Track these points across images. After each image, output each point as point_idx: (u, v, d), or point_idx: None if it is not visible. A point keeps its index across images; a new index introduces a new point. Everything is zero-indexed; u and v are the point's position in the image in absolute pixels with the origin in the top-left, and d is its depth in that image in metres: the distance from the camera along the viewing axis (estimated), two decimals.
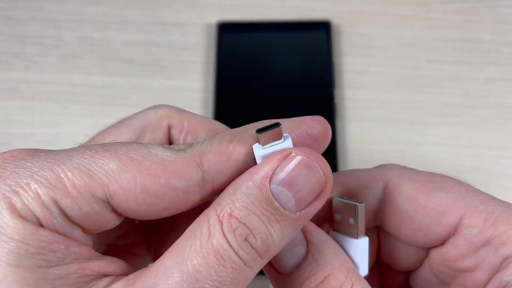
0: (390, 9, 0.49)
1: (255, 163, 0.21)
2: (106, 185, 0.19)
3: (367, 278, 0.22)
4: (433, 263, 0.24)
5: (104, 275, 0.19)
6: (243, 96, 0.45)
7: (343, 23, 0.48)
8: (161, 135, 0.26)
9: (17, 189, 0.18)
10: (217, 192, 0.21)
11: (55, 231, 0.19)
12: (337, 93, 0.45)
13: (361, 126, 0.44)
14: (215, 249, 0.18)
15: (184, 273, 0.18)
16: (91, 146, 0.20)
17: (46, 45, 0.48)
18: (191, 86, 0.46)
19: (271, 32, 0.47)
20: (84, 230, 0.20)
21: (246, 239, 0.18)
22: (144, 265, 0.29)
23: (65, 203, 0.19)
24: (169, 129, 0.26)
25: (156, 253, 0.29)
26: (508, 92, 0.45)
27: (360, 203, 0.22)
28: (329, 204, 0.24)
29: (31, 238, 0.18)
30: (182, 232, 0.19)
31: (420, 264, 0.26)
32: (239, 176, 0.19)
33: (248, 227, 0.18)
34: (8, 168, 0.19)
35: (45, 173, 0.19)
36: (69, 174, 0.19)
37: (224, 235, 0.18)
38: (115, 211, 0.20)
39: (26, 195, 0.18)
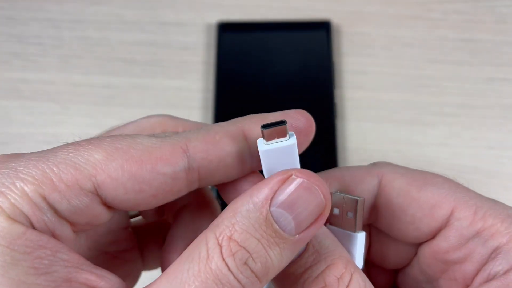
0: (390, 9, 0.49)
1: (250, 160, 0.21)
2: (94, 175, 0.19)
3: None
4: (423, 258, 0.25)
5: None
6: (243, 96, 0.45)
7: (343, 23, 0.48)
8: None
9: (3, 189, 0.18)
10: (203, 179, 0.21)
11: (45, 229, 0.19)
12: (337, 93, 0.45)
13: (361, 126, 0.44)
14: (214, 274, 0.18)
15: None
16: (75, 142, 0.20)
17: (46, 45, 0.48)
18: (191, 86, 0.46)
19: (271, 32, 0.47)
20: (74, 226, 0.20)
21: (245, 263, 0.18)
22: (135, 271, 0.29)
23: (54, 197, 0.18)
24: None
25: (148, 260, 0.29)
26: (508, 92, 0.45)
27: (360, 198, 0.23)
28: None
29: (17, 243, 0.17)
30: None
31: (409, 262, 0.26)
32: (238, 198, 0.19)
33: (247, 251, 0.18)
34: None
35: (30, 171, 0.18)
36: (55, 169, 0.19)
37: (223, 259, 0.18)
38: (104, 203, 0.20)
39: (12, 194, 0.18)
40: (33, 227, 0.18)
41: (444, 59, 0.46)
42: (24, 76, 0.46)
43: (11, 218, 0.18)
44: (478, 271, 0.23)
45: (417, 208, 0.24)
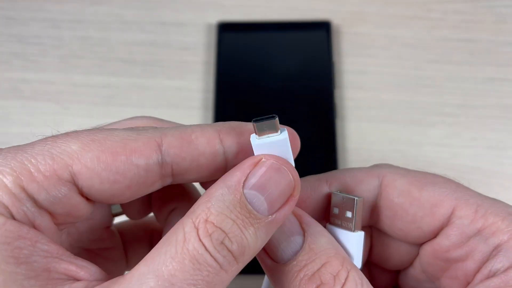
0: (390, 9, 0.49)
1: (224, 164, 0.22)
2: (70, 165, 0.19)
3: None
4: (425, 257, 0.25)
5: (76, 279, 0.19)
6: (243, 96, 0.45)
7: (343, 23, 0.48)
8: None
9: None
10: (176, 176, 0.22)
11: (25, 219, 0.19)
12: (337, 93, 0.45)
13: (361, 126, 0.44)
14: (191, 254, 0.18)
15: (159, 278, 0.18)
16: (52, 135, 0.21)
17: (46, 45, 0.48)
18: (191, 86, 0.46)
19: (271, 32, 0.47)
20: (55, 218, 0.20)
21: (222, 243, 0.19)
22: (117, 270, 0.29)
23: (32, 188, 0.19)
24: None
25: (133, 260, 0.30)
26: (508, 92, 0.45)
27: (359, 197, 0.23)
28: (324, 200, 0.25)
29: None
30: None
31: (410, 263, 0.26)
32: (213, 185, 0.20)
33: (224, 231, 0.19)
34: None
35: (9, 162, 0.19)
36: (32, 160, 0.19)
37: (200, 240, 0.18)
38: (82, 193, 0.20)
39: None
40: (13, 218, 0.19)
41: (444, 59, 0.46)
42: (24, 76, 0.46)
43: None
44: (479, 269, 0.23)
45: (419, 207, 0.24)
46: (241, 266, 0.20)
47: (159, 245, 0.19)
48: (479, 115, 0.44)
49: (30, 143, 0.20)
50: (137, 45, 0.48)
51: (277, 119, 0.20)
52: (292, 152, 0.22)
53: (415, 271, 0.26)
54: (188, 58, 0.47)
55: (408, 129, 0.44)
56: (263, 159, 0.20)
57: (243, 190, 0.20)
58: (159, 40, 0.48)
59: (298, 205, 0.23)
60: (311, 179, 0.25)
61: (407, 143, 0.43)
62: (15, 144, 0.21)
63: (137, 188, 0.21)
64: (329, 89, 0.45)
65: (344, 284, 0.21)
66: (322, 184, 0.25)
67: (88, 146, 0.20)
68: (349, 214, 0.23)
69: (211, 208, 0.19)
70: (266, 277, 0.24)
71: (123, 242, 0.30)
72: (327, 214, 0.25)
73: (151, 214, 0.29)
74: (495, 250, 0.22)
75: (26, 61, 0.47)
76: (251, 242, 0.19)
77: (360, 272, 0.21)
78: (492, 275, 0.22)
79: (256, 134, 0.21)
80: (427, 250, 0.25)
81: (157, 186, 0.22)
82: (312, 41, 0.47)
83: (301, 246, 0.21)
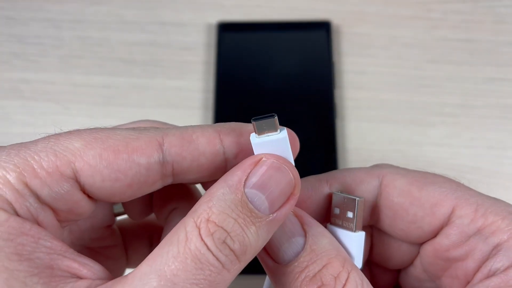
0: (390, 9, 0.49)
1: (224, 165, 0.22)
2: (73, 162, 0.20)
3: None
4: (425, 257, 0.25)
5: (80, 278, 0.19)
6: (243, 96, 0.45)
7: (343, 23, 0.48)
8: None
9: None
10: (177, 175, 0.22)
11: (29, 215, 0.19)
12: (337, 93, 0.45)
13: (361, 126, 0.44)
14: (193, 254, 0.18)
15: (161, 278, 0.18)
16: (55, 133, 0.21)
17: (46, 45, 0.48)
18: (191, 86, 0.46)
19: (271, 32, 0.47)
20: (57, 214, 0.20)
21: (224, 242, 0.19)
22: (117, 268, 0.29)
23: (35, 184, 0.19)
24: None
25: (133, 259, 0.30)
26: (508, 92, 0.45)
27: (360, 198, 0.23)
28: (325, 200, 0.25)
29: (0, 229, 0.18)
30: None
31: (411, 262, 0.27)
32: (214, 184, 0.20)
33: (225, 230, 0.19)
34: None
35: (12, 159, 0.19)
36: (35, 156, 0.19)
37: (202, 239, 0.18)
38: (84, 191, 0.20)
39: None
40: (17, 214, 0.19)
41: (444, 59, 0.46)
42: (24, 76, 0.46)
43: None
44: (479, 268, 0.23)
45: (419, 207, 0.24)
46: (243, 265, 0.20)
47: (161, 245, 0.19)
48: (479, 115, 0.44)
49: (34, 140, 0.20)
50: (137, 45, 0.48)
51: (276, 117, 0.20)
52: (292, 154, 0.22)
53: (416, 270, 0.26)
54: (188, 58, 0.47)
55: (408, 129, 0.44)
56: (264, 158, 0.21)
57: (244, 189, 0.20)
58: (159, 40, 0.48)
59: (299, 205, 0.23)
60: (312, 179, 0.25)
61: (407, 143, 0.43)
62: None
63: (138, 187, 0.21)
64: (329, 89, 0.45)
65: (344, 285, 0.21)
66: (322, 185, 0.25)
67: (91, 144, 0.20)
68: (350, 214, 0.23)
69: (213, 207, 0.19)
70: (267, 277, 0.24)
71: (123, 240, 0.30)
72: (327, 214, 0.25)
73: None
74: (495, 249, 0.22)
75: (26, 61, 0.47)
76: (252, 241, 0.19)
77: (361, 273, 0.22)
78: (492, 274, 0.22)
79: (255, 133, 0.21)
80: (427, 250, 0.25)
81: (158, 185, 0.22)
82: (312, 41, 0.47)
83: (303, 247, 0.22)
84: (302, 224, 0.22)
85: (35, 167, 0.19)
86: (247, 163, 0.20)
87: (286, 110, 0.44)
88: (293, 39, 0.47)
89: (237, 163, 0.21)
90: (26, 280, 0.18)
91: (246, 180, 0.20)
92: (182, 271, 0.18)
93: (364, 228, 0.24)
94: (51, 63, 0.47)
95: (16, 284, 0.17)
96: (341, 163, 0.43)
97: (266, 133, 0.21)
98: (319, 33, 0.47)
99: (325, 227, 0.23)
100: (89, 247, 0.28)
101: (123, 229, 0.30)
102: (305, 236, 0.22)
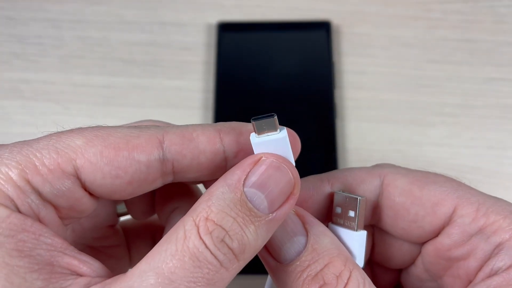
0: (390, 9, 0.49)
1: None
2: (74, 159, 0.20)
3: None
4: (427, 256, 0.25)
5: (80, 275, 0.19)
6: (243, 96, 0.45)
7: (343, 23, 0.48)
8: None
9: None
10: (177, 173, 0.22)
11: (30, 212, 0.19)
12: (337, 93, 0.45)
13: (361, 126, 0.44)
14: (191, 252, 0.18)
15: (159, 275, 0.18)
16: (57, 131, 0.21)
17: (46, 45, 0.48)
18: (191, 86, 0.46)
19: (271, 32, 0.47)
20: (59, 211, 0.20)
21: (222, 240, 0.19)
22: (120, 267, 0.29)
23: (37, 180, 0.19)
24: None
25: (135, 259, 0.30)
26: (508, 92, 0.45)
27: (362, 196, 0.23)
28: (326, 199, 0.25)
29: (1, 226, 0.18)
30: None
31: (413, 262, 0.26)
32: (213, 184, 0.20)
33: (224, 229, 0.19)
34: None
35: (14, 156, 0.19)
36: (37, 154, 0.20)
37: (201, 237, 0.19)
38: (85, 188, 0.21)
39: None
40: (18, 211, 0.19)
41: (444, 59, 0.46)
42: (24, 76, 0.46)
43: None
44: (481, 267, 0.23)
45: (420, 206, 0.24)
46: (242, 264, 0.20)
47: (160, 243, 0.19)
48: (479, 115, 0.44)
49: (36, 138, 0.21)
50: (137, 45, 0.48)
51: (275, 117, 0.20)
52: (293, 154, 0.22)
53: (417, 269, 0.26)
54: (188, 58, 0.47)
55: (408, 129, 0.44)
56: (263, 158, 0.21)
57: (243, 188, 0.20)
58: (159, 40, 0.48)
59: (301, 205, 0.23)
60: (313, 179, 0.25)
61: (407, 143, 0.43)
62: None
63: (138, 184, 0.21)
64: (329, 89, 0.45)
65: (346, 284, 0.21)
66: (324, 184, 0.25)
67: (92, 142, 0.20)
68: (351, 213, 0.24)
69: (212, 206, 0.19)
70: (269, 277, 0.24)
71: (126, 240, 0.30)
72: (329, 214, 0.25)
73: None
74: (497, 249, 0.22)
75: (26, 61, 0.47)
76: (251, 240, 0.19)
77: (363, 272, 0.22)
78: (493, 273, 0.22)
79: (255, 132, 0.21)
80: (429, 249, 0.25)
81: (158, 183, 0.22)
82: (312, 41, 0.47)
83: (304, 247, 0.22)
84: (304, 223, 0.22)
85: (37, 164, 0.19)
86: (246, 162, 0.21)
87: (286, 110, 0.44)
88: (293, 39, 0.47)
89: (237, 162, 0.21)
90: (26, 276, 0.18)
91: (245, 179, 0.20)
92: (180, 269, 0.18)
93: (365, 228, 0.24)
94: (51, 63, 0.47)
95: (16, 280, 0.18)
96: (341, 163, 0.43)
97: (266, 132, 0.21)
98: (319, 33, 0.47)
99: (327, 226, 0.23)
100: (92, 246, 0.28)
101: (126, 229, 0.30)
102: (307, 235, 0.22)
